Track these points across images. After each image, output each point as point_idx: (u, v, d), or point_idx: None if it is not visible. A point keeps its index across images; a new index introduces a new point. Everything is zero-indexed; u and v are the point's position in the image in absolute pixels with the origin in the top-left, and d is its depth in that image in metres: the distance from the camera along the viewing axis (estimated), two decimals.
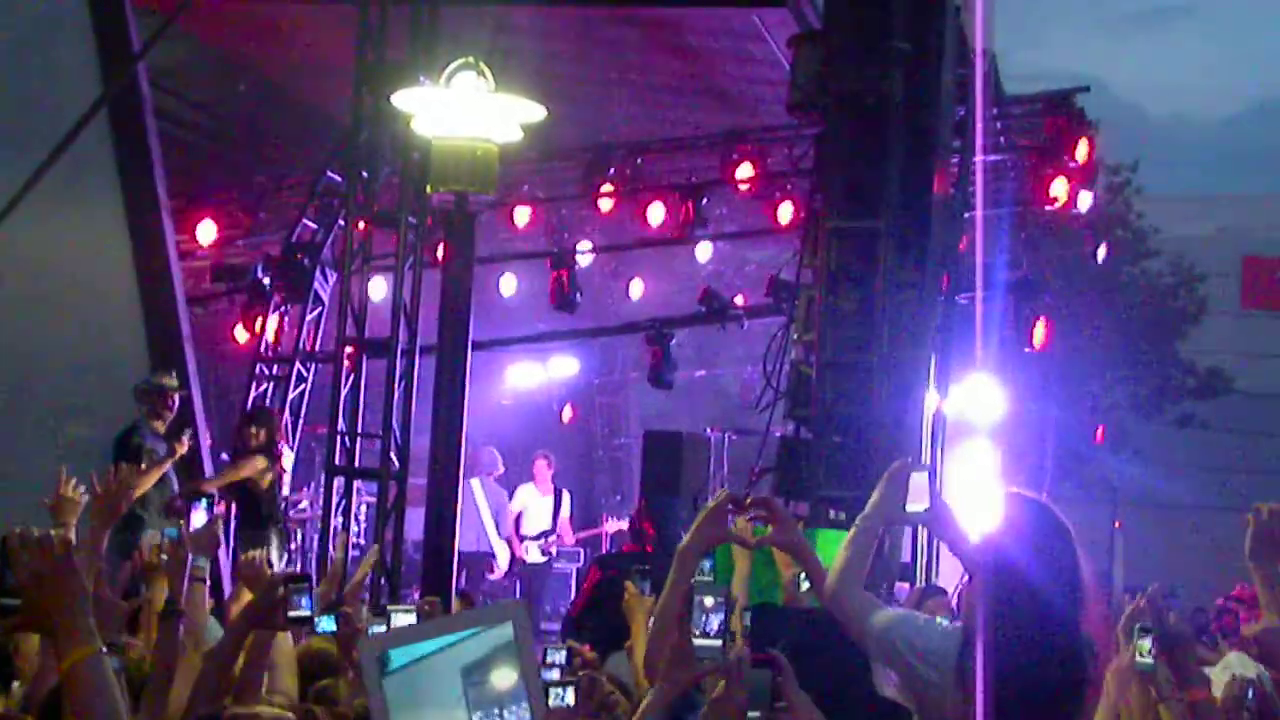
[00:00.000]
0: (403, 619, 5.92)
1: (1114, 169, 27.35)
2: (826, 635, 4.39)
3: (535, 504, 17.51)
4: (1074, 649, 3.93)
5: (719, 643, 3.70)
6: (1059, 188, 15.09)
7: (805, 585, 6.62)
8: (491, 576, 17.47)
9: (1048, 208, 15.89)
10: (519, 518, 17.47)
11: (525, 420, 22.51)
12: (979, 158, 14.46)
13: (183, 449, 11.33)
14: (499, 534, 17.45)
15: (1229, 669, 7.73)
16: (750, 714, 3.53)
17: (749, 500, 4.36)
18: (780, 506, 4.45)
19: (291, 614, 4.66)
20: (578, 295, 16.73)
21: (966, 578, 4.17)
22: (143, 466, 10.98)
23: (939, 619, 4.28)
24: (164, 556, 5.61)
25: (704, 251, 17.69)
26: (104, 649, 3.11)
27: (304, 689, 5.83)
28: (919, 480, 4.34)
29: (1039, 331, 15.43)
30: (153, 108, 12.42)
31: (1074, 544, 4.02)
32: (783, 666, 3.62)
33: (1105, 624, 4.19)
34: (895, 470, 4.37)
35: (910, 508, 4.32)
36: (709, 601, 3.68)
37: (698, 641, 3.66)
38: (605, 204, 16.60)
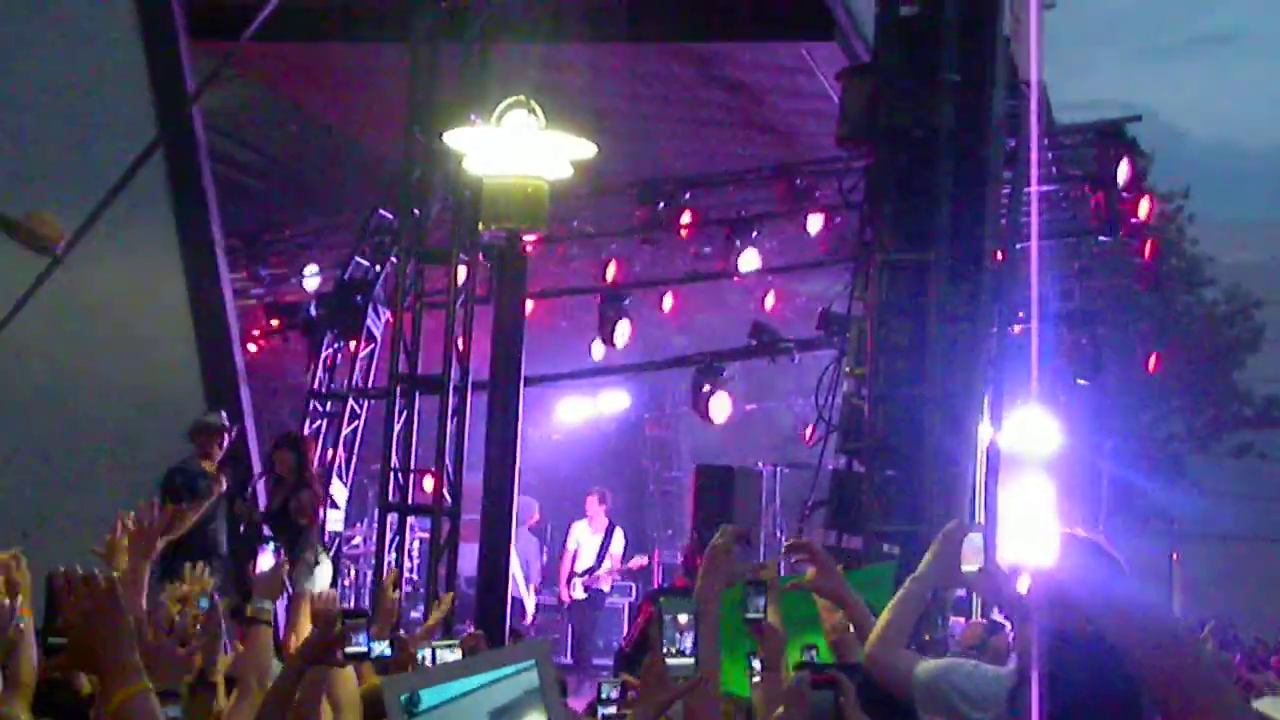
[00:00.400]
0: (445, 655, 5.92)
1: (1165, 197, 27.18)
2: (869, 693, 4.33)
3: (587, 541, 17.49)
4: (1132, 691, 3.88)
5: (692, 660, 3.70)
6: (1111, 217, 15.08)
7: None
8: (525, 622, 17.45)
9: (1100, 237, 15.83)
10: (574, 555, 17.44)
11: (577, 455, 22.53)
12: (1033, 188, 14.43)
13: (221, 488, 11.37)
14: (526, 583, 17.42)
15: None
16: None
17: (789, 544, 4.34)
18: (820, 549, 4.40)
19: (349, 650, 4.65)
20: (629, 330, 16.74)
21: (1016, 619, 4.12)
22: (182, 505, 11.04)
23: (983, 667, 4.21)
24: (198, 627, 5.60)
25: (755, 285, 17.70)
26: (150, 688, 3.13)
27: None
28: (975, 540, 4.27)
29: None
30: (207, 149, 12.54)
31: (1126, 585, 3.96)
32: (844, 687, 3.60)
33: None
34: (950, 531, 4.31)
35: (966, 568, 4.24)
36: (681, 620, 3.68)
37: (671, 661, 3.64)
38: (657, 238, 16.65)
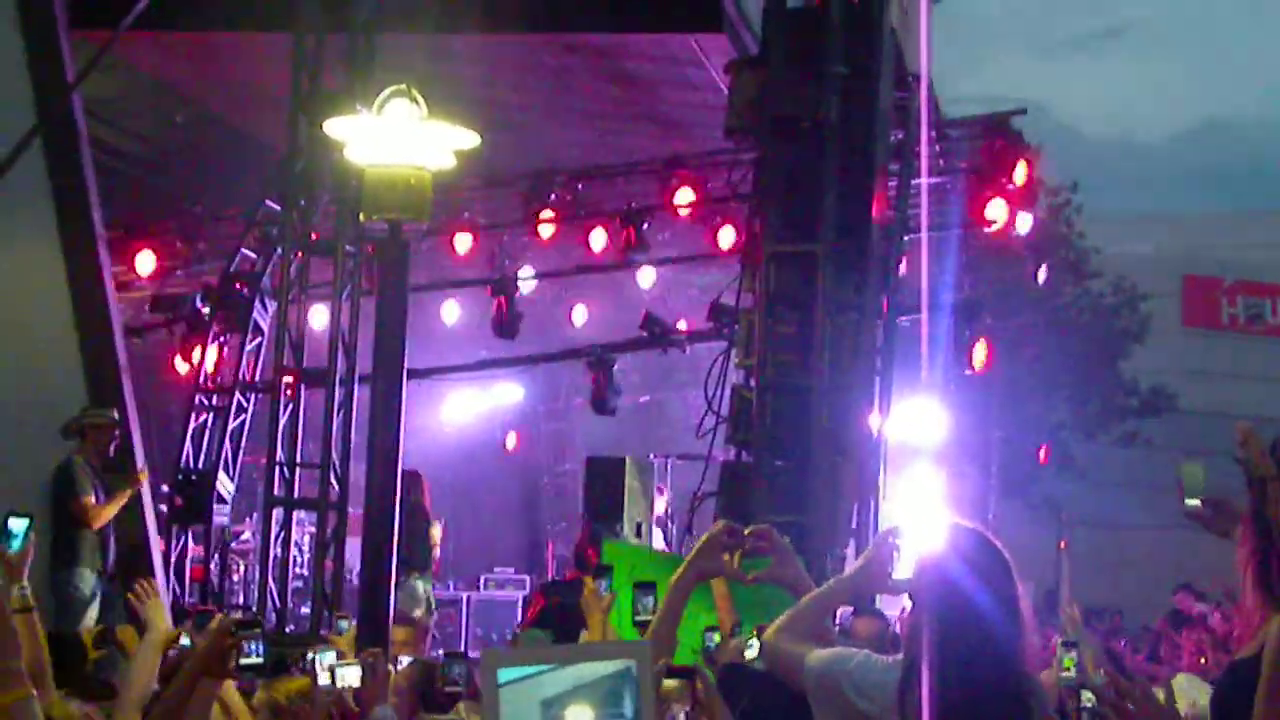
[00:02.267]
0: (345, 673, 5.85)
1: (1053, 190, 27.51)
2: (789, 696, 4.31)
3: None
4: (1019, 678, 3.90)
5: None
6: (997, 210, 15.15)
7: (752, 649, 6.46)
8: None
9: (986, 230, 15.96)
10: None
11: (469, 449, 22.45)
12: (921, 180, 14.54)
13: (143, 479, 11.34)
14: None
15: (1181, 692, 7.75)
16: None
17: (747, 532, 4.26)
18: (780, 538, 4.33)
19: (243, 662, 4.53)
20: (520, 322, 16.68)
21: (906, 609, 4.10)
22: (88, 500, 10.92)
23: (874, 657, 4.20)
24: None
25: (646, 277, 17.68)
26: (34, 694, 3.06)
27: None
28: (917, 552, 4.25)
29: (979, 352, 15.48)
30: (88, 137, 12.32)
31: (1014, 575, 3.99)
32: (703, 680, 3.57)
33: (1039, 656, 4.14)
34: (884, 537, 4.29)
35: (899, 575, 4.21)
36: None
37: None
38: (546, 230, 16.58)
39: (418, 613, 13.16)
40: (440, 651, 15.40)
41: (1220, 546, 4.19)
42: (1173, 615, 17.81)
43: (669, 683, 4.05)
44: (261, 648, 4.60)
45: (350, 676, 5.76)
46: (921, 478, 15.08)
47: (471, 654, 15.90)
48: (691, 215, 16.19)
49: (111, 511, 11.12)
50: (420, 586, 13.55)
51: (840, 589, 4.35)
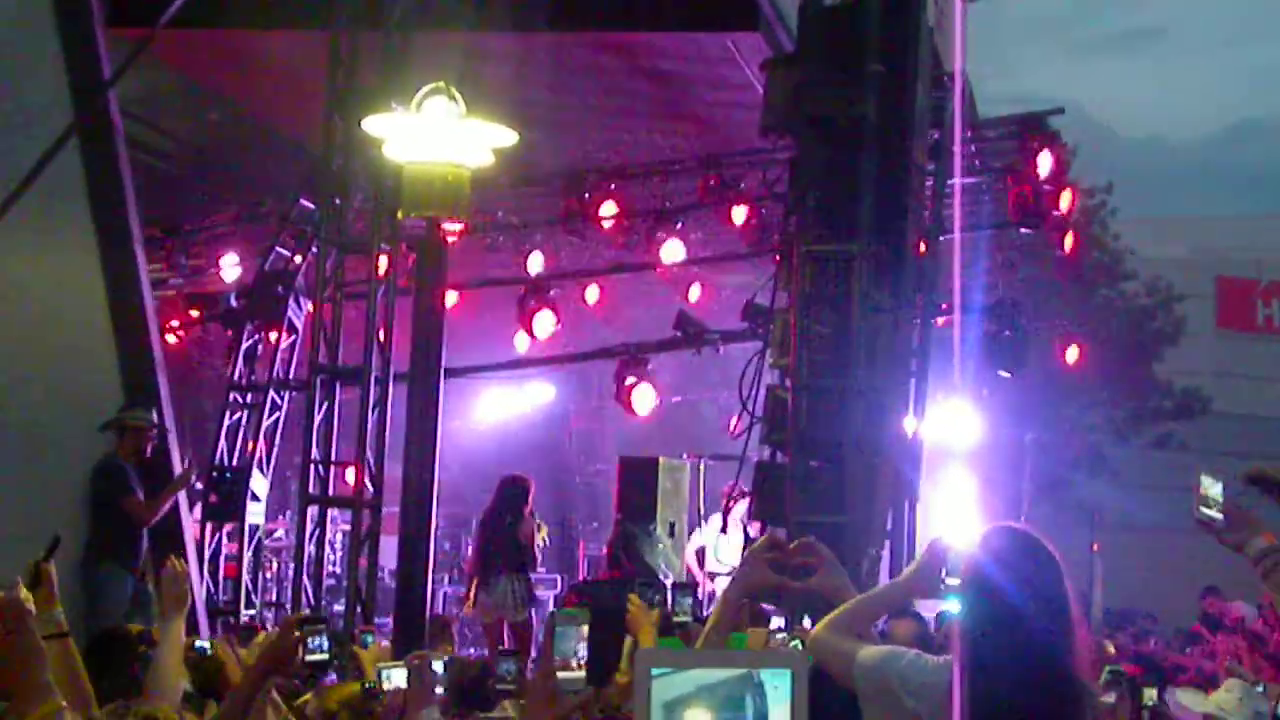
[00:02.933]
0: (393, 674, 5.83)
1: (1088, 192, 27.39)
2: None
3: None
4: (1066, 677, 3.87)
5: (583, 674, 3.64)
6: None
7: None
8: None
9: (1025, 231, 15.92)
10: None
11: (502, 447, 22.44)
12: (955, 180, 14.49)
13: (193, 472, 11.45)
14: None
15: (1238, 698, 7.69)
16: None
17: (793, 544, 4.24)
18: (825, 550, 4.30)
19: (309, 658, 4.52)
20: (551, 321, 16.68)
21: (946, 611, 4.09)
22: (139, 498, 10.99)
23: (925, 656, 4.17)
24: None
25: (694, 292, 17.72)
26: (64, 706, 3.06)
27: None
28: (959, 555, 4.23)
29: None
30: (124, 136, 12.34)
31: (1061, 573, 3.95)
32: None
33: (1091, 654, 4.13)
34: (935, 544, 4.27)
35: (951, 581, 4.19)
36: (574, 631, 3.62)
37: (562, 674, 3.58)
38: (582, 229, 16.58)
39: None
40: (471, 650, 15.43)
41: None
42: (1204, 618, 17.73)
43: None
44: (327, 643, 4.59)
45: (397, 678, 5.75)
46: (956, 480, 15.03)
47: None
48: (725, 217, 16.20)
49: (163, 508, 11.19)
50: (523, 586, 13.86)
51: (892, 593, 4.35)
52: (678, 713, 2.15)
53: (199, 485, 14.51)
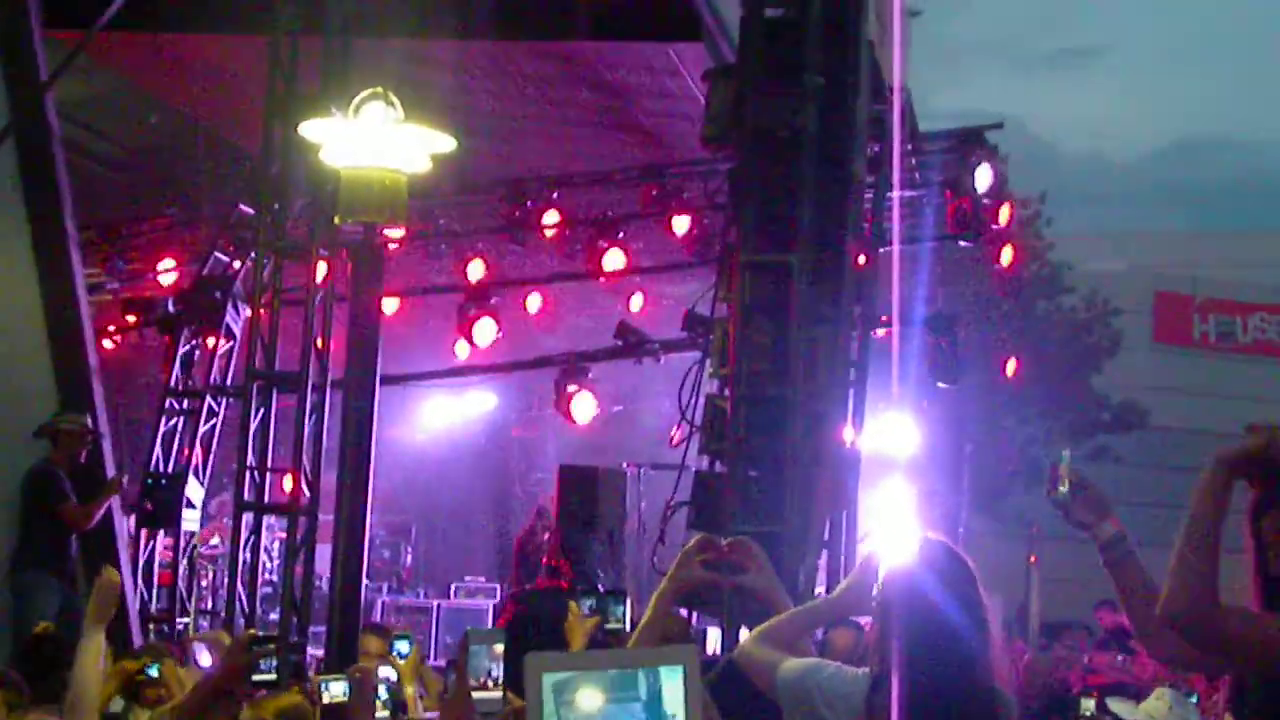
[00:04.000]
0: (334, 687, 5.78)
1: (1023, 201, 27.61)
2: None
3: None
4: (988, 688, 3.91)
5: (500, 694, 3.62)
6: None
7: None
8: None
9: (962, 244, 16.02)
10: None
11: (440, 457, 22.39)
12: (895, 193, 14.56)
13: (124, 477, 11.35)
14: None
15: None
16: None
17: (727, 542, 4.26)
18: (759, 550, 4.32)
19: (257, 678, 4.49)
20: (492, 330, 16.64)
21: (872, 621, 4.10)
22: (74, 504, 10.89)
23: (845, 669, 4.18)
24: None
25: (636, 301, 17.75)
26: None
27: None
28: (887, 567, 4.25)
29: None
30: (61, 139, 12.24)
31: (979, 588, 4.01)
32: None
33: (1008, 669, 4.15)
34: (869, 560, 4.29)
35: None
36: (489, 650, 3.60)
37: (478, 695, 3.57)
38: (524, 238, 16.57)
39: None
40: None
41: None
42: (1112, 633, 17.78)
43: None
44: (275, 664, 4.57)
45: (337, 691, 5.71)
46: (893, 491, 15.09)
47: (435, 663, 15.87)
48: (666, 226, 16.22)
49: (98, 514, 11.11)
50: None
51: (824, 609, 4.39)
52: (568, 694, 2.14)
53: (133, 491, 14.41)
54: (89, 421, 11.33)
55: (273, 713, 5.79)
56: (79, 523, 10.94)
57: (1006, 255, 16.84)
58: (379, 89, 8.77)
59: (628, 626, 7.52)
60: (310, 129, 9.54)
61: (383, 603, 19.09)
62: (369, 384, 9.23)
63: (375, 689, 5.26)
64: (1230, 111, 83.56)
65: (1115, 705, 8.27)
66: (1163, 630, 3.96)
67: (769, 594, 4.30)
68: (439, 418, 22.83)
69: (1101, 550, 4.19)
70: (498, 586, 19.79)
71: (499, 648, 3.65)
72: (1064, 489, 4.20)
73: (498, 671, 3.62)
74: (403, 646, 8.32)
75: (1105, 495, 4.21)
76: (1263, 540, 3.90)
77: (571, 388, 15.56)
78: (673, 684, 2.16)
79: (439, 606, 19.10)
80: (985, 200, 15.31)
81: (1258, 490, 3.89)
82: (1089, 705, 7.69)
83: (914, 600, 3.90)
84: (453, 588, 20.38)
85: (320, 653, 11.61)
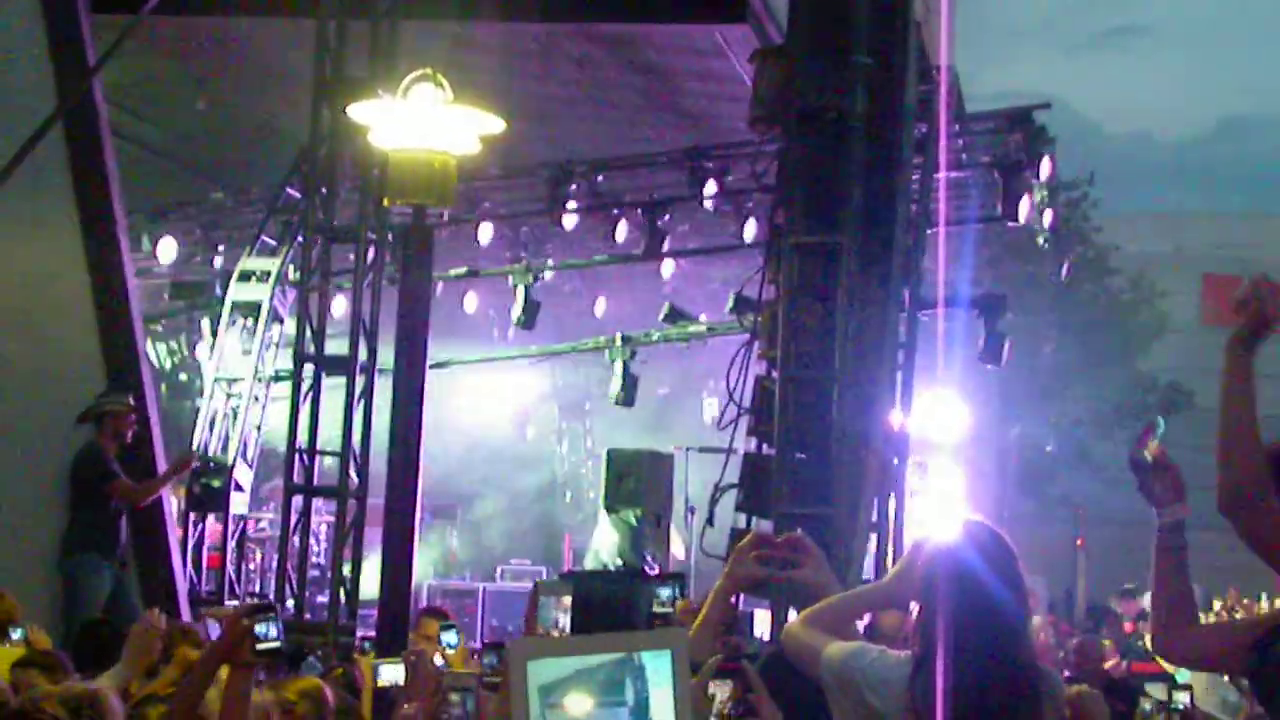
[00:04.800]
0: (388, 670, 5.79)
1: (1070, 184, 27.42)
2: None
3: None
4: (1031, 666, 3.90)
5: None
6: (1023, 208, 15.18)
7: None
8: None
9: (1010, 224, 15.92)
10: None
11: (486, 440, 22.42)
12: (941, 174, 14.47)
13: (193, 460, 11.38)
14: None
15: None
16: None
17: (781, 539, 4.24)
18: (813, 544, 4.30)
19: (260, 646, 4.44)
20: (539, 313, 16.65)
21: (917, 606, 4.07)
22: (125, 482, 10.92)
23: (889, 653, 4.16)
24: None
25: (667, 268, 17.64)
26: None
27: None
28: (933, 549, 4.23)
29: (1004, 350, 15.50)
30: (109, 123, 12.27)
31: (1020, 569, 4.00)
32: (750, 677, 3.54)
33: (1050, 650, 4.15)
34: (918, 546, 4.26)
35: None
36: (560, 601, 3.60)
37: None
38: (569, 221, 16.53)
39: None
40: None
41: (1236, 543, 4.11)
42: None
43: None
44: (278, 630, 4.50)
45: (391, 674, 5.71)
46: (942, 473, 15.04)
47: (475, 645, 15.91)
48: (714, 207, 16.16)
49: (157, 492, 11.13)
50: None
51: (874, 595, 4.35)
52: (556, 697, 2.12)
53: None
54: (131, 400, 11.31)
55: (295, 694, 5.79)
56: (132, 499, 10.94)
57: (1047, 218, 16.55)
58: (427, 70, 8.77)
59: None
60: (359, 111, 9.54)
61: (429, 585, 19.15)
62: (419, 367, 9.23)
63: (431, 674, 5.24)
64: (1276, 90, 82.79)
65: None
66: (1182, 631, 4.02)
67: (824, 589, 4.28)
68: (484, 400, 22.86)
69: (1160, 531, 4.15)
70: (543, 570, 19.81)
71: (567, 599, 3.65)
72: (1148, 454, 4.17)
73: (565, 622, 3.62)
74: (450, 638, 8.33)
75: (1184, 480, 4.18)
76: None
77: (625, 371, 15.57)
78: (660, 691, 2.16)
79: (484, 590, 19.15)
80: (1032, 181, 15.22)
81: None
82: (1158, 689, 7.65)
83: (956, 580, 3.89)
84: (499, 570, 20.43)
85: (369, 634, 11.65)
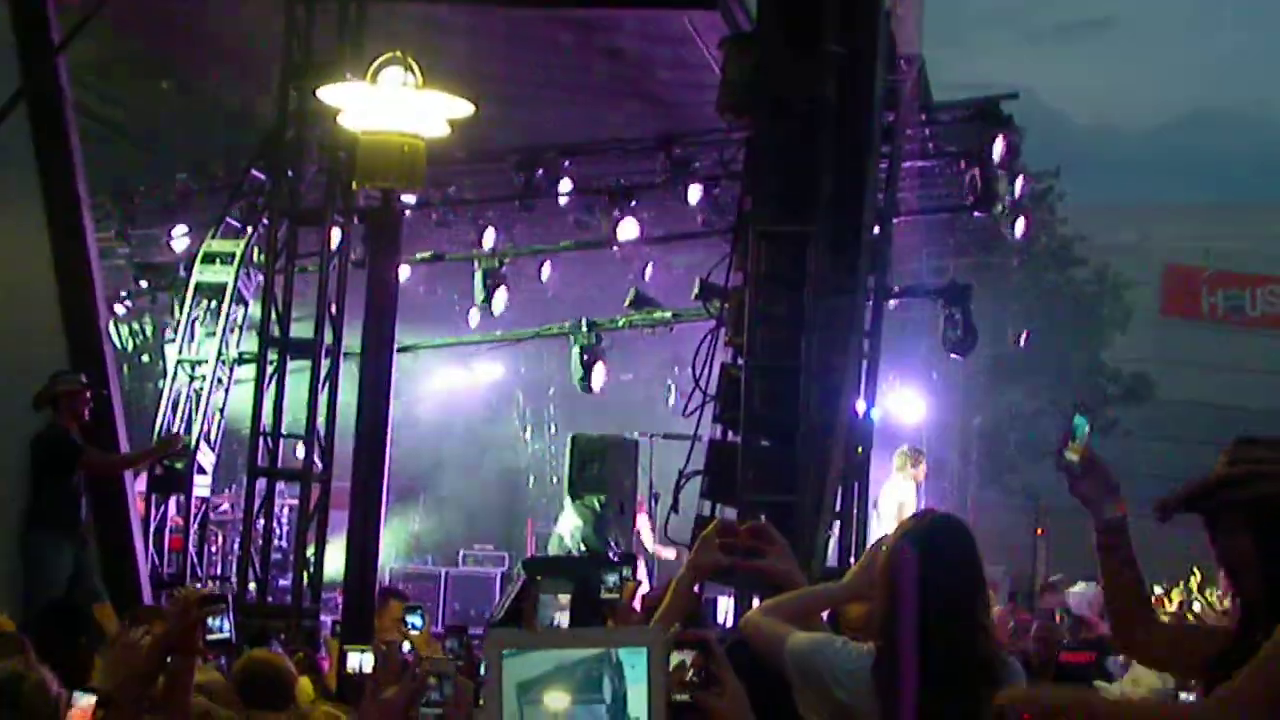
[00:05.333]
0: (358, 658, 5.78)
1: (1036, 176, 27.52)
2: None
3: None
4: (991, 653, 3.94)
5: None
6: (993, 201, 15.24)
7: None
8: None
9: (975, 213, 15.96)
10: None
11: (449, 424, 22.38)
12: (908, 163, 14.50)
13: (180, 442, 11.31)
14: None
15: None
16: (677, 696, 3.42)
17: (745, 527, 4.24)
18: (777, 534, 4.31)
19: (210, 638, 4.41)
20: (504, 298, 16.63)
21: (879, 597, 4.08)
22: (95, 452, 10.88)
23: (851, 645, 4.17)
24: None
25: (633, 255, 17.64)
26: None
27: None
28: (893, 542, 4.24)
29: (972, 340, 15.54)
30: (74, 104, 12.19)
31: (980, 560, 4.03)
32: (713, 649, 3.54)
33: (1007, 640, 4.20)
34: (877, 544, 4.28)
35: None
36: (558, 599, 3.59)
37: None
38: (536, 205, 16.53)
39: None
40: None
41: (1193, 534, 4.12)
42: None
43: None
44: (228, 623, 4.46)
45: (360, 662, 5.70)
46: (902, 463, 15.06)
47: (438, 631, 15.88)
48: (681, 194, 16.18)
49: (133, 464, 11.14)
50: None
51: (836, 592, 4.37)
52: (534, 693, 2.12)
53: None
54: (84, 378, 11.22)
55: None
56: (105, 470, 10.91)
57: (1020, 226, 16.79)
58: (398, 53, 8.73)
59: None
60: (328, 93, 9.50)
61: (390, 569, 19.10)
62: (385, 350, 9.21)
63: (400, 663, 5.21)
64: (1241, 83, 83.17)
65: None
66: (1146, 631, 4.09)
67: (788, 578, 4.29)
68: (447, 385, 22.81)
69: (1098, 531, 4.12)
70: (505, 555, 19.80)
71: (565, 597, 3.65)
72: (1073, 456, 4.13)
73: (563, 621, 3.62)
74: (415, 620, 8.32)
75: (1115, 477, 4.15)
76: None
77: (585, 357, 15.56)
78: (637, 688, 2.16)
79: (446, 574, 19.13)
80: (999, 171, 15.25)
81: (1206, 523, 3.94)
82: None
83: (915, 571, 3.91)
84: (460, 555, 20.40)
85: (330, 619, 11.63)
